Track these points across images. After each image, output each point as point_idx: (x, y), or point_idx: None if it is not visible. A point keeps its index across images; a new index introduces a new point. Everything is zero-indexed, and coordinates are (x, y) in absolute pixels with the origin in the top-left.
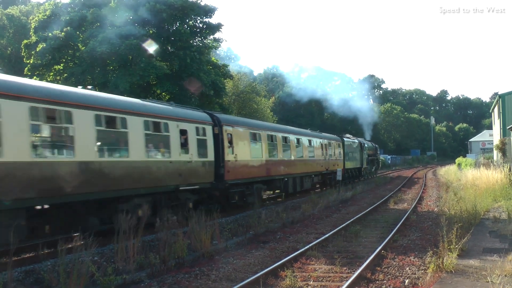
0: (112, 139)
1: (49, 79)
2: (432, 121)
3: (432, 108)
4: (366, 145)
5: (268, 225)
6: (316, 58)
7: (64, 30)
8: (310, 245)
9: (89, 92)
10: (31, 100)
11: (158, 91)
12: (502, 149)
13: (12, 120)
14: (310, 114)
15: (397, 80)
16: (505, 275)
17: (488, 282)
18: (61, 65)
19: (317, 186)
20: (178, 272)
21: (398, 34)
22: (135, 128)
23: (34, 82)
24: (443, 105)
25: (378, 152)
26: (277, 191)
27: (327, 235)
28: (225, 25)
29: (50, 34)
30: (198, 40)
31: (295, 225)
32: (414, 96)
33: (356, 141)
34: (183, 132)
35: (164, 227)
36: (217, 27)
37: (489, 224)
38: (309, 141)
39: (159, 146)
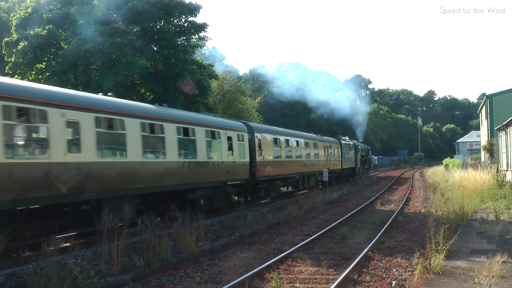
0: (188, 145)
1: (30, 78)
2: (419, 121)
3: (419, 108)
4: (359, 147)
5: (254, 227)
6: (302, 58)
7: (46, 28)
8: (296, 246)
9: (172, 110)
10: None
11: (143, 91)
12: (490, 150)
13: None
14: (296, 114)
15: (384, 80)
16: (493, 276)
17: (475, 283)
18: (43, 63)
19: (320, 183)
20: (162, 275)
21: (385, 34)
22: (200, 136)
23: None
24: (430, 105)
25: (370, 153)
26: (289, 187)
27: (313, 237)
28: (210, 24)
29: (31, 32)
30: (183, 39)
31: (281, 227)
32: (401, 96)
33: (351, 143)
34: (229, 139)
35: (148, 229)
36: (202, 27)
37: (477, 225)
38: (315, 144)
39: (215, 149)
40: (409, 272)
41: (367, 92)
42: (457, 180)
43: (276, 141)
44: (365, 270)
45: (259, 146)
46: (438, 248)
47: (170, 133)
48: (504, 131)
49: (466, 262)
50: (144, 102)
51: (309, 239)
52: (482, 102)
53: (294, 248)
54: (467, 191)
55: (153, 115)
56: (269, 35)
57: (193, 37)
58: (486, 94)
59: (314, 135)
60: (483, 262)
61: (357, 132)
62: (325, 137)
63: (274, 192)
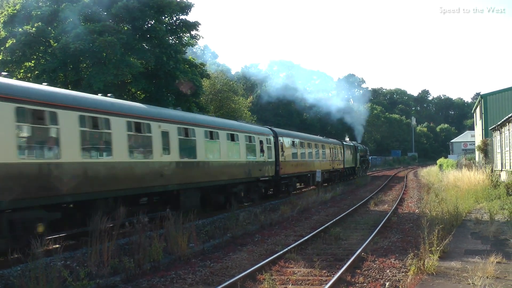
0: (234, 148)
1: (19, 77)
2: (413, 121)
3: (413, 108)
4: (359, 148)
5: (246, 227)
6: (295, 56)
7: (35, 25)
8: (288, 247)
9: (226, 121)
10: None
11: (133, 90)
12: (484, 150)
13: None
14: (289, 113)
15: (377, 79)
16: (487, 277)
17: (470, 284)
18: (32, 62)
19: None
20: (153, 276)
21: (378, 33)
22: (242, 141)
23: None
24: (425, 105)
25: (368, 153)
26: (302, 184)
27: (306, 238)
28: (202, 22)
29: (20, 29)
30: (175, 38)
31: (274, 227)
32: (395, 96)
33: (351, 144)
34: (260, 142)
35: (138, 230)
36: (194, 25)
37: (471, 226)
38: (322, 146)
39: (251, 151)
40: (403, 273)
41: (361, 91)
42: (451, 180)
43: (293, 144)
44: (359, 271)
45: (282, 148)
46: (432, 248)
47: (224, 139)
48: (498, 131)
49: (460, 263)
50: (135, 101)
51: (302, 239)
52: (477, 101)
53: (286, 249)
54: (461, 192)
55: (232, 127)
56: (262, 34)
57: (185, 35)
58: (481, 93)
59: (321, 137)
60: (477, 263)
61: (356, 133)
62: (330, 139)
63: (291, 187)
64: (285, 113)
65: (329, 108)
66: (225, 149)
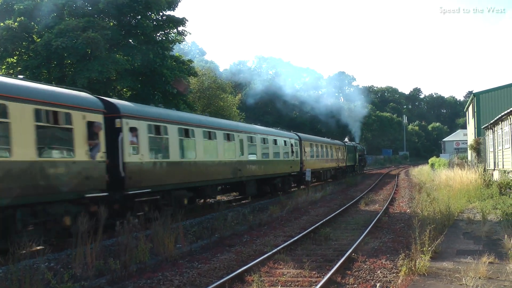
0: (277, 149)
1: (1, 73)
2: (405, 120)
3: (404, 106)
4: (358, 148)
5: (234, 228)
6: (284, 53)
7: (18, 20)
8: (278, 248)
9: (268, 129)
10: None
11: (119, 87)
12: (477, 149)
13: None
14: (278, 112)
15: (368, 77)
16: (479, 278)
17: (462, 284)
18: (15, 58)
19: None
20: (140, 278)
21: (369, 30)
22: (281, 144)
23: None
24: (416, 103)
25: (365, 153)
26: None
27: (295, 238)
28: (189, 18)
29: (1, 24)
30: (161, 34)
31: (263, 228)
32: (386, 94)
33: (351, 144)
34: (291, 145)
35: (125, 231)
36: (181, 21)
37: (463, 226)
38: (330, 147)
39: (286, 152)
40: (394, 274)
41: (351, 89)
42: (443, 179)
43: (311, 146)
44: (349, 272)
45: (304, 149)
46: (424, 249)
47: (275, 143)
48: (491, 130)
49: (452, 263)
50: (122, 99)
51: (291, 240)
52: (469, 100)
53: (276, 249)
54: (454, 191)
55: (278, 134)
56: (251, 30)
57: (172, 31)
58: (473, 92)
59: (328, 139)
60: (469, 263)
61: (354, 134)
62: (335, 141)
63: (309, 181)
64: (274, 111)
65: (320, 106)
66: (273, 150)
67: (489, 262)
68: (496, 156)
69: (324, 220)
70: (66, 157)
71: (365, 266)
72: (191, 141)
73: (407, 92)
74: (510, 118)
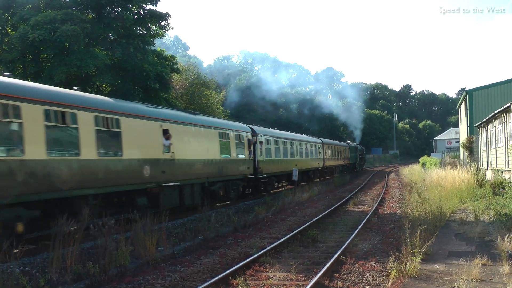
0: (302, 150)
1: None
2: (395, 117)
3: (394, 104)
4: (358, 148)
5: (219, 229)
6: (271, 48)
7: None
8: (263, 250)
9: (291, 134)
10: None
11: (98, 83)
12: (469, 147)
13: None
14: (263, 109)
15: (357, 73)
16: (472, 280)
17: (454, 287)
18: None
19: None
20: (120, 282)
21: (358, 25)
22: (308, 147)
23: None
24: (407, 100)
25: (364, 152)
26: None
27: (282, 240)
28: (172, 11)
29: None
30: (143, 28)
31: (248, 229)
32: (375, 91)
33: (353, 145)
34: (319, 148)
35: (103, 233)
36: (163, 17)
37: (455, 227)
38: (339, 147)
39: (312, 153)
40: (384, 277)
41: (340, 86)
42: (434, 179)
43: (329, 147)
44: (337, 275)
45: (325, 151)
46: (414, 250)
47: (296, 145)
48: (484, 128)
49: (444, 265)
50: (101, 95)
51: (277, 242)
52: (462, 97)
53: (261, 252)
54: (445, 191)
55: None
56: (236, 25)
57: (153, 26)
58: (466, 89)
59: (338, 142)
60: (461, 265)
61: (355, 135)
62: (342, 142)
63: (327, 174)
64: (260, 108)
65: (309, 105)
66: (305, 152)
67: (482, 264)
68: (489, 155)
69: (312, 221)
70: None
71: (354, 268)
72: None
73: (397, 89)
74: (504, 116)
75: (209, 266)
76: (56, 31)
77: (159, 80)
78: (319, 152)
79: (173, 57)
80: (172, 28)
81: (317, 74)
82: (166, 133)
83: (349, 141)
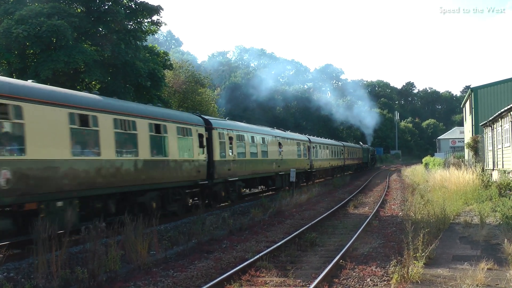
0: (338, 152)
1: None
2: (397, 116)
3: (396, 102)
4: (370, 149)
5: (213, 233)
6: (267, 44)
7: None
8: (260, 254)
9: (325, 140)
10: None
11: (87, 80)
12: (474, 147)
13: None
14: (261, 107)
15: (357, 70)
16: (477, 285)
17: None
18: None
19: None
20: None
21: (358, 20)
22: (332, 149)
23: None
24: (409, 98)
25: (375, 153)
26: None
27: (279, 244)
28: (165, 6)
29: None
30: (134, 23)
31: (244, 232)
32: (376, 88)
33: (365, 146)
34: (341, 150)
35: (92, 237)
36: (155, 10)
37: (460, 229)
38: (353, 148)
39: (336, 154)
40: (385, 282)
41: (339, 83)
42: (438, 180)
43: (348, 150)
44: (336, 280)
45: (346, 152)
46: (417, 254)
47: (325, 149)
48: (490, 127)
49: (448, 270)
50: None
51: (274, 246)
52: (466, 95)
53: (257, 256)
54: (449, 193)
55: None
56: (231, 19)
57: (145, 20)
58: (471, 86)
59: (353, 144)
60: (466, 270)
61: (367, 137)
62: (357, 145)
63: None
64: (256, 106)
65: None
66: (322, 153)
67: (487, 269)
68: (496, 155)
69: (310, 224)
70: None
71: (354, 273)
72: None
73: (399, 86)
74: (511, 115)
75: (203, 271)
76: (42, 26)
77: (151, 78)
78: (342, 153)
79: (165, 53)
80: (165, 24)
81: (315, 71)
82: None
83: (361, 143)
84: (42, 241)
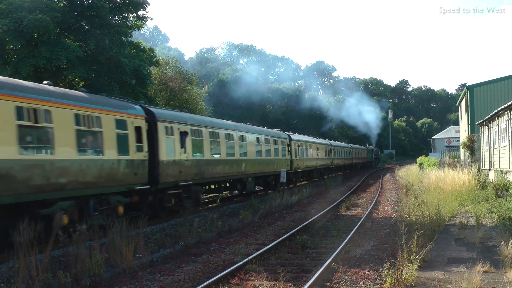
0: (347, 152)
1: None
2: (390, 115)
3: (390, 100)
4: (374, 150)
5: (201, 235)
6: (257, 41)
7: None
8: (249, 257)
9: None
10: None
11: (70, 77)
12: (470, 147)
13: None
14: (249, 106)
15: (350, 67)
16: None
17: None
18: None
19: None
20: None
21: (350, 16)
22: (343, 151)
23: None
24: (403, 97)
25: (379, 153)
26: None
27: (269, 246)
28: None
29: None
30: (119, 18)
31: (233, 235)
32: (369, 86)
33: (370, 147)
34: (367, 152)
35: (74, 239)
36: (141, 4)
37: (455, 231)
38: (360, 149)
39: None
40: (378, 285)
41: (331, 81)
42: (433, 180)
43: (356, 151)
44: (328, 283)
45: (354, 153)
46: (411, 257)
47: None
48: (486, 126)
49: (443, 273)
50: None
51: (264, 248)
52: (462, 93)
53: (247, 259)
54: (444, 193)
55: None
56: (219, 14)
57: (131, 15)
58: (467, 84)
59: (359, 146)
60: (462, 273)
61: (371, 139)
62: (363, 146)
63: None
64: (245, 105)
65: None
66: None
67: (483, 271)
68: (492, 155)
69: (301, 226)
70: None
71: (346, 277)
72: None
73: (393, 84)
74: (508, 114)
75: (191, 275)
76: (23, 20)
77: (136, 75)
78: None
79: (151, 49)
80: (151, 19)
81: (307, 68)
82: None
83: (367, 145)
84: (23, 244)
